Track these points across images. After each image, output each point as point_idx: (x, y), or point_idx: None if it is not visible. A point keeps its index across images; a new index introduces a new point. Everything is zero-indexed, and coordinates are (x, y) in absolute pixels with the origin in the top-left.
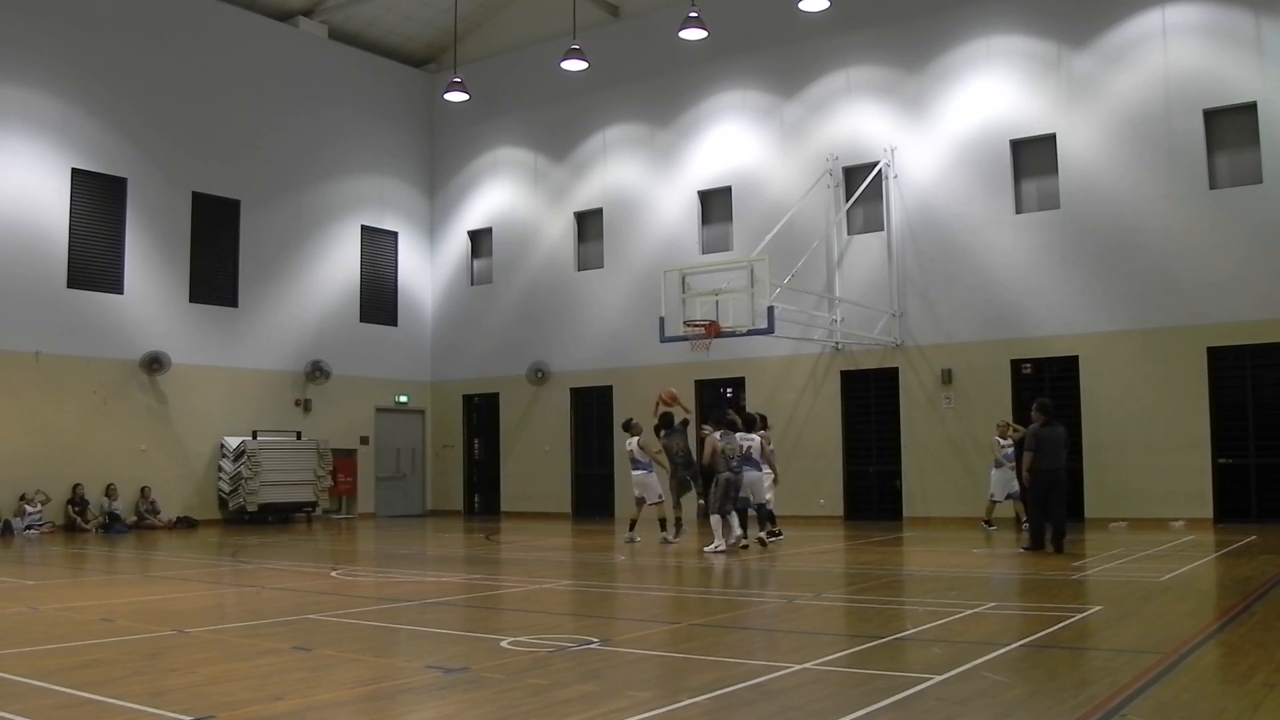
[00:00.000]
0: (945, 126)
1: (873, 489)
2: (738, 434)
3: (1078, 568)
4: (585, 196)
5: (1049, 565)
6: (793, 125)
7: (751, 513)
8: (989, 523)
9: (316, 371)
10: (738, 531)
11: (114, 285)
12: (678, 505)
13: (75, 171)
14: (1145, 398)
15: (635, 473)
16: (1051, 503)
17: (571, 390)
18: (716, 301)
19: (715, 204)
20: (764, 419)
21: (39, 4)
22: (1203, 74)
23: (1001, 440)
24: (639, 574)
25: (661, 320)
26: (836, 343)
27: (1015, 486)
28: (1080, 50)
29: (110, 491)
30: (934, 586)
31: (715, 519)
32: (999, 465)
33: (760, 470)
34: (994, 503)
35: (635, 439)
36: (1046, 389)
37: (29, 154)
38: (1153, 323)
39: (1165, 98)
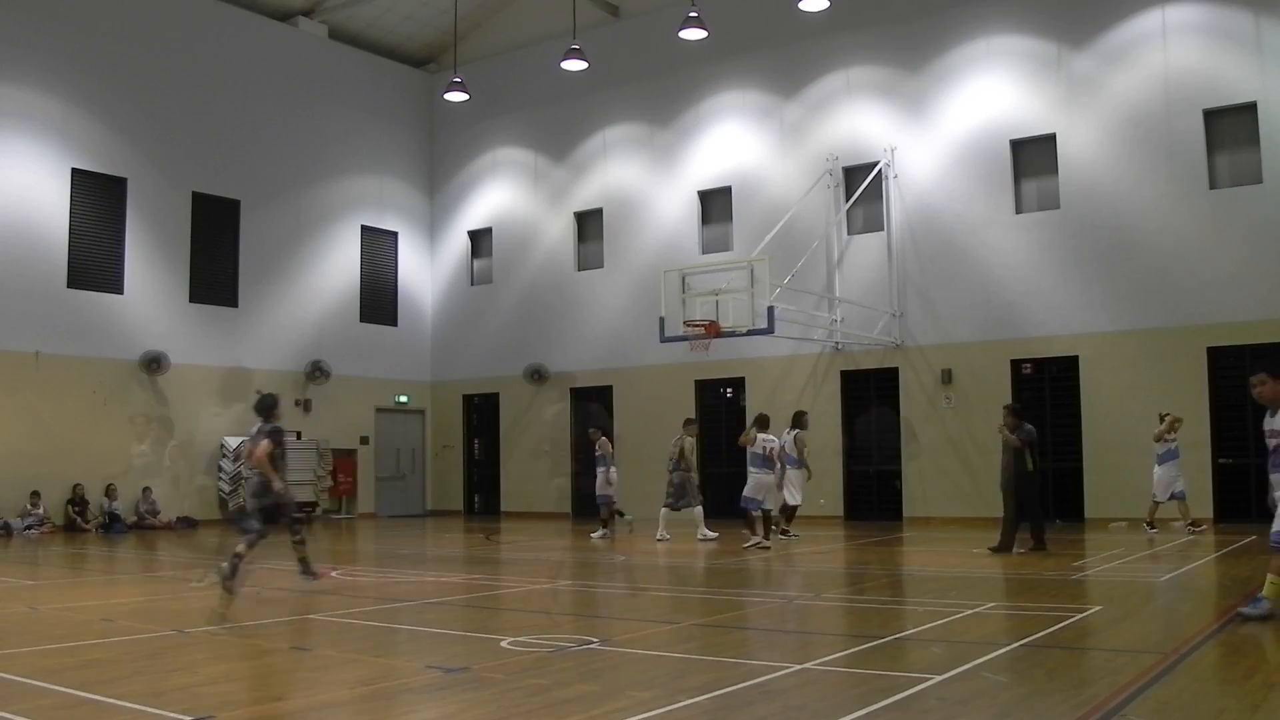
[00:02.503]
0: (945, 126)
1: (873, 489)
2: (760, 434)
3: (1078, 568)
4: (585, 196)
5: (1049, 565)
6: (793, 125)
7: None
8: (1150, 524)
9: (316, 371)
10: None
11: (114, 285)
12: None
13: (75, 171)
14: (1145, 398)
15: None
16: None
17: (571, 390)
18: (716, 301)
19: (715, 204)
20: (799, 417)
21: (39, 4)
22: (1203, 74)
23: (1168, 435)
24: (639, 574)
25: (661, 320)
26: (836, 343)
27: (1180, 486)
28: (1080, 50)
29: (110, 491)
30: (934, 586)
31: (663, 511)
32: (1163, 462)
33: (771, 473)
34: (1157, 504)
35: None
36: (1046, 389)
37: (29, 154)
38: (1153, 323)
39: (1165, 98)
